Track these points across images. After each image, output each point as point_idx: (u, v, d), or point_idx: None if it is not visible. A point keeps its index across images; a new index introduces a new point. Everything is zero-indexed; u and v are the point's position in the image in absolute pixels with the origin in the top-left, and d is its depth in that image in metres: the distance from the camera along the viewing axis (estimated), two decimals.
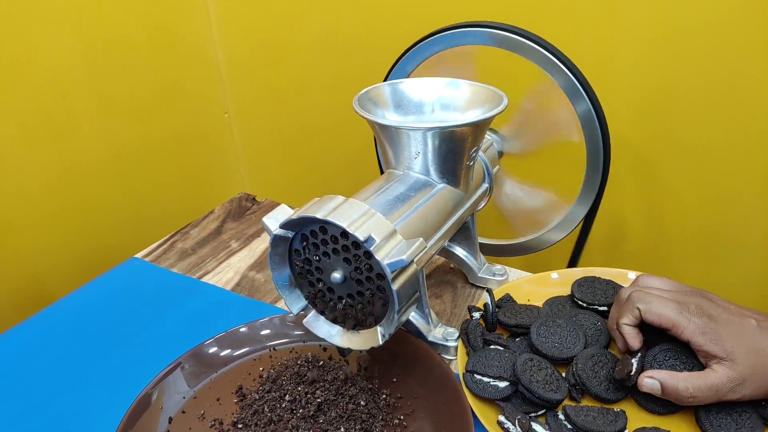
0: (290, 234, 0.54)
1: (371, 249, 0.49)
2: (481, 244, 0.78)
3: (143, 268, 0.80)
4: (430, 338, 0.62)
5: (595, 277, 0.67)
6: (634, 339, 0.53)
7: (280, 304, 0.72)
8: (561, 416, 0.52)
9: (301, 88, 1.13)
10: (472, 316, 0.62)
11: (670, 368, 0.52)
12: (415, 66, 0.75)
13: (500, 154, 0.74)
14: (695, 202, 0.90)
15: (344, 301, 0.56)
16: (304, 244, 0.55)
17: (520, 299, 0.66)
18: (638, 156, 0.89)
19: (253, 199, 0.97)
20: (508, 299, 0.65)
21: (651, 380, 0.50)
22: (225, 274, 0.78)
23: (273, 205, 0.94)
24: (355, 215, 0.50)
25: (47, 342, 0.67)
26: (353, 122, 1.07)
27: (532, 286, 0.68)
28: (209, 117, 1.20)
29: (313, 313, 0.58)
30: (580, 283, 0.66)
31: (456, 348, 0.61)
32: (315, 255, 0.55)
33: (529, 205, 0.77)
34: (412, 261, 0.49)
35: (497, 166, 0.73)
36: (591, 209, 0.72)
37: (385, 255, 0.49)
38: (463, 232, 0.71)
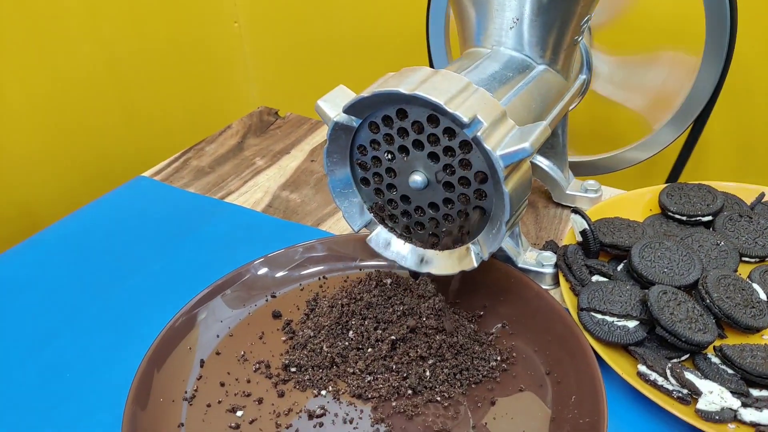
0: (355, 122, 0.41)
1: (478, 134, 0.35)
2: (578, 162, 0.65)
3: (153, 187, 0.67)
4: (520, 264, 0.49)
5: (683, 183, 0.54)
6: None
7: (325, 227, 0.59)
8: (714, 359, 0.41)
9: None
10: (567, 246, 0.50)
11: None
12: None
13: (589, 30, 0.59)
14: None
15: (424, 212, 0.43)
16: (374, 137, 0.41)
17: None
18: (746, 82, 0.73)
19: (276, 113, 0.83)
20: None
21: None
22: (252, 194, 0.65)
23: (299, 120, 0.80)
24: (452, 89, 0.37)
25: (41, 273, 0.54)
26: (386, 17, 0.92)
27: (631, 207, 0.55)
28: (216, 27, 1.04)
29: (379, 228, 0.46)
30: (669, 193, 0.54)
31: (553, 275, 0.49)
32: (388, 151, 0.41)
33: (628, 92, 0.63)
34: (532, 153, 0.36)
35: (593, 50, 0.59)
36: (705, 108, 0.58)
37: (496, 143, 0.36)
38: (549, 138, 0.57)
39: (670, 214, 0.53)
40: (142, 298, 0.51)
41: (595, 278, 0.47)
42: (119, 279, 0.53)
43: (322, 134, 0.76)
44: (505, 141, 0.36)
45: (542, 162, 0.58)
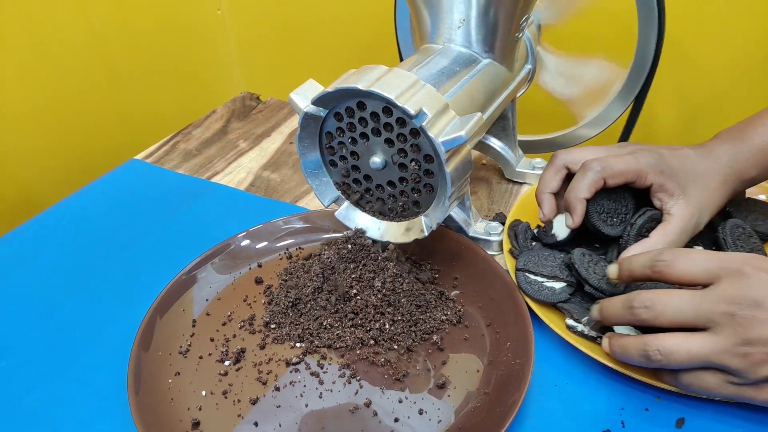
0: (323, 112, 0.48)
1: (423, 124, 0.42)
2: (527, 140, 0.72)
3: (144, 169, 0.73)
4: (471, 233, 0.56)
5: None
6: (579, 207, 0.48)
7: (302, 203, 0.66)
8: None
9: None
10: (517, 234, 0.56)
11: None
12: None
13: (538, 28, 0.66)
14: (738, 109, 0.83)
15: (383, 189, 0.50)
16: (339, 125, 0.48)
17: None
18: (681, 51, 0.81)
19: (257, 98, 0.89)
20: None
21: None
22: (236, 174, 0.72)
23: (279, 104, 0.87)
24: (402, 85, 0.43)
25: (43, 250, 0.61)
26: (363, 8, 0.98)
27: None
28: (199, 14, 1.09)
29: (346, 204, 0.53)
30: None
31: (499, 243, 0.56)
32: (351, 137, 0.48)
33: (571, 90, 0.70)
34: (468, 140, 0.43)
35: (539, 46, 0.65)
36: (635, 106, 0.65)
37: (439, 131, 0.43)
38: (500, 122, 0.64)
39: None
40: (139, 268, 0.58)
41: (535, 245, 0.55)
42: (118, 251, 0.60)
43: None
44: (446, 129, 0.43)
45: (495, 143, 0.65)
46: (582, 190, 0.47)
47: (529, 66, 0.61)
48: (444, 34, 0.53)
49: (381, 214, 0.52)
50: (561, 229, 0.52)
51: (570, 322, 0.47)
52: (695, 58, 0.82)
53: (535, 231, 0.55)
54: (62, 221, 0.64)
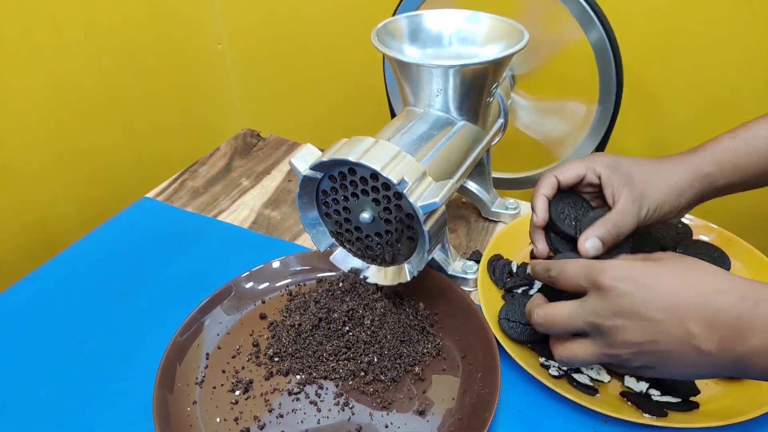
0: (319, 175, 0.55)
1: (404, 191, 0.50)
2: (493, 177, 0.80)
3: (156, 208, 0.81)
4: (450, 271, 0.64)
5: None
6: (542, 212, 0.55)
7: (300, 241, 0.73)
8: None
9: (300, 18, 1.09)
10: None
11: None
12: None
13: (512, 78, 0.73)
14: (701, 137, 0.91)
15: (371, 238, 0.57)
16: (333, 185, 0.56)
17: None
18: (645, 88, 0.89)
19: (258, 135, 0.96)
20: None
21: (592, 240, 0.50)
22: (240, 212, 0.79)
23: (279, 141, 0.94)
24: (386, 157, 0.51)
25: (65, 289, 0.67)
26: (357, 52, 1.06)
27: None
28: (201, 49, 1.17)
29: (340, 250, 0.60)
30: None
31: (475, 280, 0.64)
32: (343, 195, 0.56)
33: (542, 131, 0.78)
34: (442, 203, 0.50)
35: (510, 99, 0.73)
36: (602, 141, 0.73)
37: (417, 197, 0.50)
38: (477, 167, 0.72)
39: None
40: (154, 306, 0.65)
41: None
42: (134, 291, 0.67)
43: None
44: (424, 195, 0.50)
45: (472, 186, 0.73)
46: (540, 188, 0.54)
47: (501, 120, 0.69)
48: (424, 100, 0.61)
49: (370, 259, 0.59)
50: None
51: (542, 360, 0.55)
52: (657, 92, 0.90)
53: (513, 267, 0.63)
54: (81, 260, 0.71)
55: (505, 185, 0.83)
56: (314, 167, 0.54)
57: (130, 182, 1.04)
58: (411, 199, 0.50)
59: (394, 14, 0.75)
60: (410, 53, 0.66)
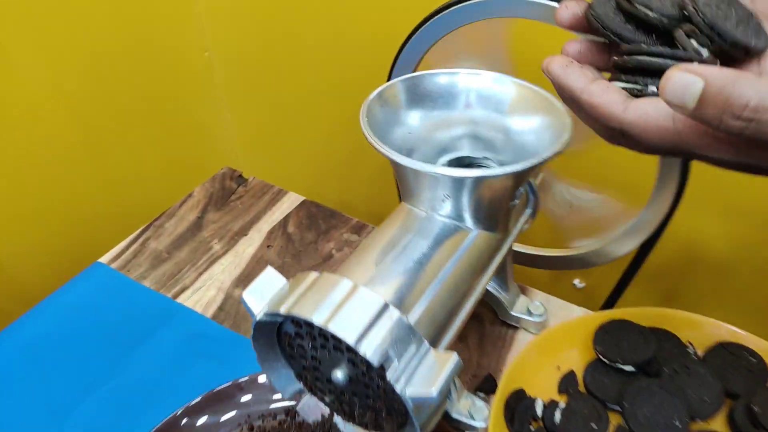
0: (279, 319, 0.41)
1: (387, 375, 0.36)
2: (522, 253, 0.65)
3: (109, 279, 0.67)
4: (453, 414, 0.50)
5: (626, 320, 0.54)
6: None
7: None
8: None
9: (295, 46, 0.93)
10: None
11: None
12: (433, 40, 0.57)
13: None
14: None
15: (348, 398, 0.44)
16: (297, 330, 0.42)
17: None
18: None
19: (239, 176, 0.82)
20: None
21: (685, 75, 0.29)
22: (206, 291, 0.66)
23: (262, 188, 0.80)
24: (365, 320, 0.37)
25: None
26: (353, 82, 0.90)
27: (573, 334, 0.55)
28: (187, 59, 1.01)
29: (307, 397, 0.46)
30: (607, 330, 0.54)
31: (485, 430, 0.50)
32: (311, 344, 0.42)
33: (582, 210, 0.63)
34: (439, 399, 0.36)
35: (541, 174, 0.58)
36: (666, 215, 0.57)
37: (406, 382, 0.36)
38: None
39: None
40: (97, 423, 0.53)
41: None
42: (74, 401, 0.54)
43: (282, 210, 0.76)
44: (415, 380, 0.36)
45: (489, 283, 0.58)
46: None
47: (528, 210, 0.54)
48: (427, 202, 0.46)
49: (348, 417, 0.45)
50: None
51: None
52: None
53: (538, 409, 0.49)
54: (17, 353, 0.59)
55: (528, 262, 0.68)
56: (270, 314, 0.40)
57: (101, 206, 0.90)
58: (397, 387, 0.36)
59: (394, 61, 0.59)
60: (411, 121, 0.51)
